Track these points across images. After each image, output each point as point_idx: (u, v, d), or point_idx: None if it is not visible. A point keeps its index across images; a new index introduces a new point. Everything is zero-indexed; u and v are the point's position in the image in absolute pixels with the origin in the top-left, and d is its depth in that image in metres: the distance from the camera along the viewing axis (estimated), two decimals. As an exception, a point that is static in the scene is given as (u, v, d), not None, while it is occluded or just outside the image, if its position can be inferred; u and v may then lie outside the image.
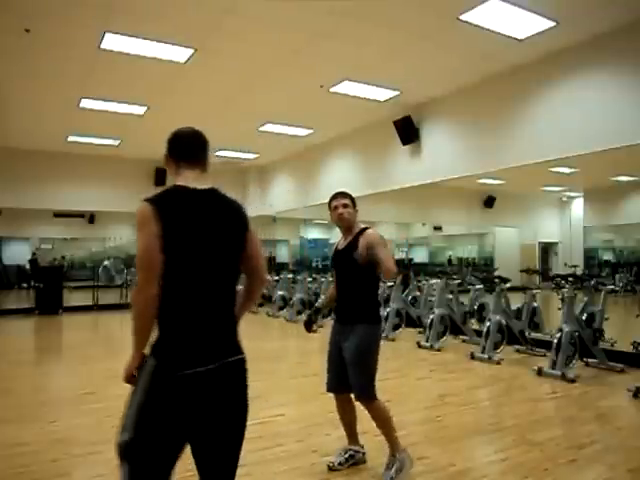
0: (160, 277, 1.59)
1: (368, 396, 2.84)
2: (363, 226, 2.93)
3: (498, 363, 5.90)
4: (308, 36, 5.44)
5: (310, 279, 10.34)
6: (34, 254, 15.05)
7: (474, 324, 7.45)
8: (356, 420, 3.06)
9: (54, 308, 10.56)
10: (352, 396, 2.94)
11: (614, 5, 4.76)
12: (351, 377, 2.84)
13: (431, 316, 6.96)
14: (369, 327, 2.85)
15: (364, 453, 3.09)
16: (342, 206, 2.91)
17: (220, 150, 10.55)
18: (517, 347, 6.57)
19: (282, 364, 6.38)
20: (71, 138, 9.56)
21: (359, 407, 2.98)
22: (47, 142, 9.95)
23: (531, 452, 3.32)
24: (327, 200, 3.03)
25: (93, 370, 5.71)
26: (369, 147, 9.07)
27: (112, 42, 5.47)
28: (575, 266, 9.73)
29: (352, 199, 2.96)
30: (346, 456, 3.02)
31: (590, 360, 5.68)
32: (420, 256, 15.59)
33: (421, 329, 7.54)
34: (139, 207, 1.62)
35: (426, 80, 6.84)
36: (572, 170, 9.82)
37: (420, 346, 6.85)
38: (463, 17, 4.92)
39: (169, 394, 1.59)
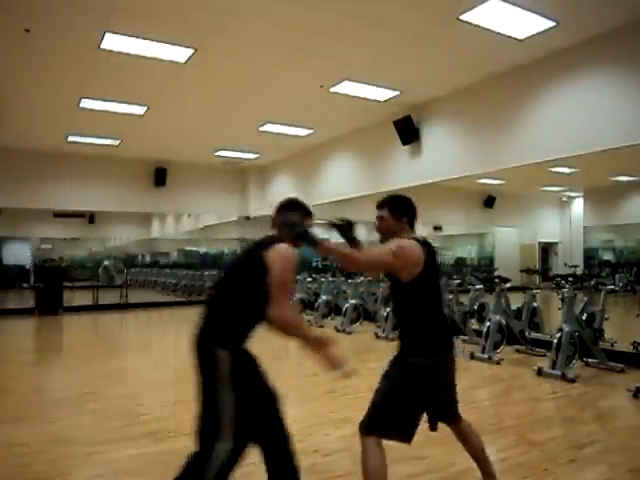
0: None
1: (363, 427, 2.37)
2: (409, 236, 2.47)
3: (498, 363, 5.90)
4: (308, 36, 5.44)
5: (310, 279, 10.32)
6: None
7: (474, 324, 7.45)
8: (480, 450, 2.62)
9: (54, 308, 10.57)
10: (463, 423, 2.60)
11: (614, 5, 4.77)
12: None
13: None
14: (407, 358, 2.44)
15: None
16: (377, 219, 2.60)
17: (220, 150, 10.52)
18: (517, 347, 6.57)
19: (282, 364, 6.38)
20: (71, 138, 9.55)
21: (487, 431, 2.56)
22: (47, 142, 9.95)
23: (531, 452, 3.31)
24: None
25: (93, 370, 5.71)
26: (369, 147, 9.06)
27: (112, 42, 5.47)
28: (575, 266, 9.72)
29: (392, 207, 2.53)
30: None
31: (590, 360, 5.67)
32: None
33: (421, 329, 7.54)
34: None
35: (426, 80, 6.84)
36: (572, 170, 9.82)
37: (420, 346, 6.84)
38: (463, 17, 4.93)
39: None
